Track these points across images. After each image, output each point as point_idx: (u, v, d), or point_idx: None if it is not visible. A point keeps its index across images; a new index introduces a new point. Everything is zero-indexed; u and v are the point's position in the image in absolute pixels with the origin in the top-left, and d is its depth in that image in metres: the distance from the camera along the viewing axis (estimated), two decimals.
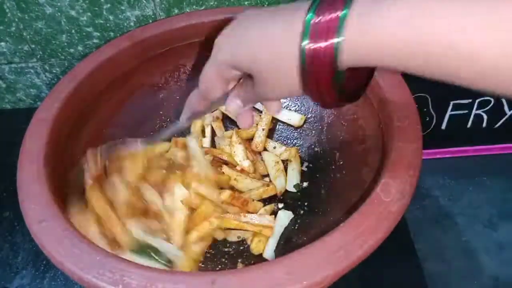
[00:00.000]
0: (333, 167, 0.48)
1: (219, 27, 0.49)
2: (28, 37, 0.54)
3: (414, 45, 0.22)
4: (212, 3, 0.52)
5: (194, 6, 0.52)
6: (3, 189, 0.52)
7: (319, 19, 0.25)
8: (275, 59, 0.28)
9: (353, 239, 0.29)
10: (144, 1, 0.51)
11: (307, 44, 0.25)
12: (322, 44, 0.25)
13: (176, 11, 0.52)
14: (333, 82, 0.26)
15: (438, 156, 0.55)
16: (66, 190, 0.39)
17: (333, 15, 0.24)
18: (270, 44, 0.28)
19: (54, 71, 0.59)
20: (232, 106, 0.34)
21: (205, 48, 0.52)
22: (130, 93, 0.51)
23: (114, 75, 0.48)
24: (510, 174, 0.53)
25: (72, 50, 0.56)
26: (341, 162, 0.48)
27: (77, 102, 0.44)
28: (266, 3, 0.52)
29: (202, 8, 0.52)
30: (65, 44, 0.55)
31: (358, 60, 0.25)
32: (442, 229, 0.48)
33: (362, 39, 0.24)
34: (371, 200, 0.32)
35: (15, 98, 0.62)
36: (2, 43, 0.55)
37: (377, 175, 0.35)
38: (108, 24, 0.53)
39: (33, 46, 0.55)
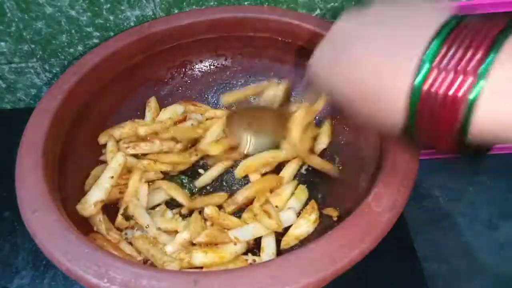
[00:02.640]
0: None
1: (226, 24, 0.50)
2: (28, 37, 0.54)
3: None
4: (212, 3, 0.52)
5: (194, 6, 0.52)
6: (3, 189, 0.52)
7: (450, 51, 0.20)
8: (376, 92, 0.24)
9: (339, 247, 0.29)
10: (144, 1, 0.51)
11: (427, 75, 0.21)
12: (450, 81, 0.20)
13: (176, 11, 0.52)
14: (451, 133, 0.21)
15: (438, 156, 0.54)
16: None
17: (476, 51, 0.19)
18: (371, 75, 0.23)
19: (54, 71, 0.59)
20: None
21: (212, 46, 0.53)
22: (134, 87, 0.51)
23: (120, 69, 0.48)
24: (510, 174, 0.53)
25: (72, 50, 0.56)
26: (340, 167, 0.48)
27: (80, 94, 0.44)
28: (266, 3, 0.52)
29: (202, 8, 0.53)
30: (65, 44, 0.55)
31: (493, 122, 0.20)
32: (442, 229, 0.48)
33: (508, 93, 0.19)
34: (361, 209, 0.32)
35: (15, 98, 0.62)
36: (2, 43, 0.54)
37: (370, 184, 0.35)
38: (108, 24, 0.53)
39: (33, 46, 0.55)
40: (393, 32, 0.23)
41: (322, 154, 0.50)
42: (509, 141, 0.20)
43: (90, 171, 0.45)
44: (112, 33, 0.54)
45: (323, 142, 0.49)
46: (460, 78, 0.20)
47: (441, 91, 0.20)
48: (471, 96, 0.19)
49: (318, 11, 0.53)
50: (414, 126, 0.23)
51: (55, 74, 0.59)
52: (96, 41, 0.55)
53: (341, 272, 0.29)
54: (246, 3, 0.52)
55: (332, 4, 0.53)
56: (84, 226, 0.40)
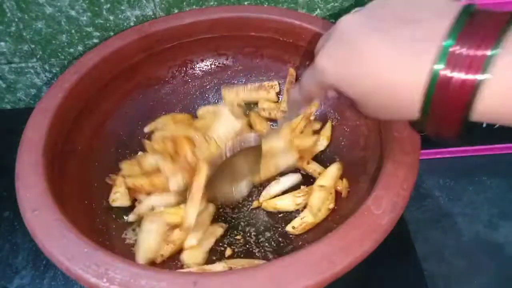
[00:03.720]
0: None
1: (227, 24, 0.50)
2: (28, 37, 0.54)
3: None
4: (212, 3, 0.52)
5: (194, 6, 0.52)
6: (3, 189, 0.52)
7: (462, 48, 0.22)
8: (390, 86, 0.24)
9: (339, 250, 0.29)
10: (144, 1, 0.51)
11: (443, 70, 0.22)
12: (462, 76, 0.22)
13: (176, 11, 0.52)
14: (461, 119, 0.23)
15: (438, 156, 0.54)
16: None
17: (482, 47, 0.21)
18: (385, 69, 0.24)
19: (54, 71, 0.59)
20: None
21: (213, 45, 0.53)
22: (135, 86, 0.51)
23: (120, 68, 0.48)
24: (510, 174, 0.53)
25: (72, 50, 0.56)
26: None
27: (81, 93, 0.44)
28: (266, 3, 0.52)
29: (203, 8, 0.53)
30: (65, 44, 0.55)
31: (498, 109, 0.22)
32: (442, 229, 0.48)
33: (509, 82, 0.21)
34: (361, 211, 0.32)
35: (15, 98, 0.62)
36: (2, 43, 0.54)
37: (371, 186, 0.35)
38: (108, 24, 0.53)
39: (33, 46, 0.55)
40: (405, 25, 0.24)
41: (322, 155, 0.50)
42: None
43: (90, 170, 0.45)
44: (112, 33, 0.54)
45: (322, 144, 0.49)
46: (473, 62, 0.21)
47: (454, 79, 0.22)
48: (480, 77, 0.21)
49: (318, 11, 0.53)
50: (427, 114, 0.24)
51: (55, 74, 0.59)
52: (96, 41, 0.55)
53: (340, 275, 0.29)
54: (246, 3, 0.52)
55: (332, 4, 0.53)
56: (84, 225, 0.40)
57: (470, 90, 0.22)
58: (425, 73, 0.23)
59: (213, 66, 0.55)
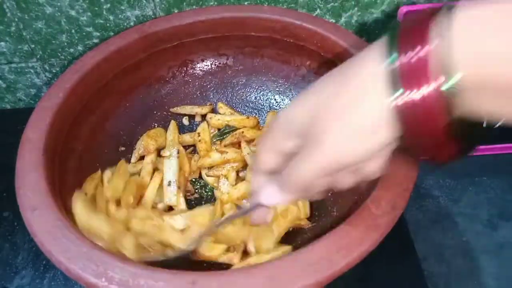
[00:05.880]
0: None
1: (227, 24, 0.50)
2: (28, 37, 0.54)
3: None
4: (212, 3, 0.52)
5: (194, 6, 0.52)
6: (3, 189, 0.52)
7: (409, 55, 0.19)
8: (348, 112, 0.22)
9: (337, 250, 0.29)
10: (144, 1, 0.51)
11: (400, 96, 0.19)
12: (423, 91, 0.19)
13: (176, 11, 0.52)
14: (449, 131, 0.20)
15: None
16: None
17: (429, 45, 0.18)
18: (342, 102, 0.22)
19: (54, 71, 0.59)
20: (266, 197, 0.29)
21: (213, 45, 0.53)
22: (135, 86, 0.51)
23: (121, 67, 0.48)
24: (510, 174, 0.53)
25: (72, 50, 0.56)
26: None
27: (81, 93, 0.44)
28: (266, 3, 0.52)
29: (204, 7, 0.53)
30: (65, 44, 0.55)
31: (473, 100, 0.19)
32: (442, 229, 0.48)
33: (481, 71, 0.18)
34: (360, 211, 0.31)
35: (15, 98, 0.62)
36: (2, 43, 0.54)
37: (370, 186, 0.34)
38: (108, 24, 0.53)
39: (33, 46, 0.55)
40: (347, 70, 0.23)
41: None
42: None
43: (90, 170, 0.45)
44: (112, 33, 0.54)
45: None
46: (425, 77, 0.19)
47: (416, 96, 0.19)
48: (444, 88, 0.19)
49: (318, 11, 0.53)
50: (406, 143, 0.22)
51: (55, 74, 0.59)
52: (96, 41, 0.55)
53: (339, 275, 0.29)
54: (246, 3, 0.52)
55: (332, 4, 0.53)
56: None
57: (440, 100, 0.19)
58: (381, 102, 0.20)
59: (213, 66, 0.55)
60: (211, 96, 0.55)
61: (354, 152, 0.23)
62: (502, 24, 0.17)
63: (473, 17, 0.18)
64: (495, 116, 0.20)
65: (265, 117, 0.54)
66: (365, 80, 0.21)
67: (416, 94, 0.19)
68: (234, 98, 0.55)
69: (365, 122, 0.21)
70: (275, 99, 0.55)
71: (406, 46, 0.19)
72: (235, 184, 0.47)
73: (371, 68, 0.21)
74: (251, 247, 0.41)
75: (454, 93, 0.18)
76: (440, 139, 0.20)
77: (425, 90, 0.19)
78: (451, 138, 0.21)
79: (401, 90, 0.19)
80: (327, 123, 0.23)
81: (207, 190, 0.49)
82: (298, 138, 0.25)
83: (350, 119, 0.22)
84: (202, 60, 0.54)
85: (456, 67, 0.18)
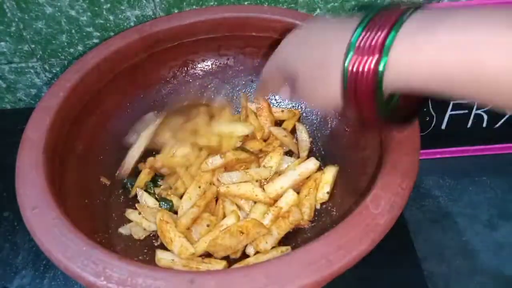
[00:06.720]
0: None
1: (228, 24, 0.50)
2: (28, 37, 0.54)
3: (463, 69, 0.22)
4: (212, 3, 0.52)
5: (194, 6, 0.52)
6: (3, 189, 0.52)
7: (367, 35, 0.26)
8: (323, 66, 0.28)
9: (336, 249, 0.29)
10: (144, 1, 0.51)
11: (352, 57, 0.26)
12: (366, 59, 0.25)
13: (176, 11, 0.52)
14: (375, 98, 0.26)
15: (438, 156, 0.55)
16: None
17: (381, 33, 0.25)
18: (321, 52, 0.29)
19: (54, 71, 0.59)
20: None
21: (214, 45, 0.53)
22: (136, 86, 0.51)
23: (121, 67, 0.48)
24: (510, 174, 0.53)
25: (72, 50, 0.56)
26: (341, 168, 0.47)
27: (82, 92, 0.44)
28: (266, 3, 0.52)
29: (204, 8, 0.53)
30: (65, 44, 0.55)
31: (404, 83, 0.25)
32: (442, 229, 0.48)
33: (408, 60, 0.24)
34: (359, 210, 0.31)
35: (15, 98, 0.62)
36: (2, 43, 0.55)
37: (370, 185, 0.35)
38: (108, 24, 0.53)
39: (33, 46, 0.55)
40: (338, 26, 0.29)
41: (322, 157, 0.50)
42: (427, 90, 0.25)
43: (90, 170, 0.45)
44: (112, 33, 0.54)
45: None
46: (372, 55, 0.25)
47: (360, 69, 0.26)
48: (380, 68, 0.25)
49: (318, 11, 0.53)
50: (347, 102, 0.28)
51: (55, 74, 0.59)
52: (96, 41, 0.55)
53: (338, 274, 0.29)
54: (246, 3, 0.52)
55: (332, 4, 0.53)
56: (83, 224, 0.40)
57: (375, 71, 0.25)
58: (341, 59, 0.26)
59: (214, 66, 0.55)
60: (212, 96, 0.55)
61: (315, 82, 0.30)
62: (431, 26, 0.24)
63: (418, 19, 0.25)
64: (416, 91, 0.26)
65: None
66: (335, 47, 0.27)
67: (362, 61, 0.26)
68: (235, 98, 0.55)
69: (327, 72, 0.28)
70: (275, 99, 0.55)
71: (372, 29, 0.26)
72: None
73: (341, 37, 0.27)
74: (250, 250, 0.41)
75: (385, 68, 0.25)
76: (367, 97, 0.27)
77: (369, 60, 0.25)
78: (373, 100, 0.27)
79: (354, 56, 0.26)
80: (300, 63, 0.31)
81: None
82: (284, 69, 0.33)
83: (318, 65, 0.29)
84: (203, 60, 0.54)
85: (390, 52, 0.24)
